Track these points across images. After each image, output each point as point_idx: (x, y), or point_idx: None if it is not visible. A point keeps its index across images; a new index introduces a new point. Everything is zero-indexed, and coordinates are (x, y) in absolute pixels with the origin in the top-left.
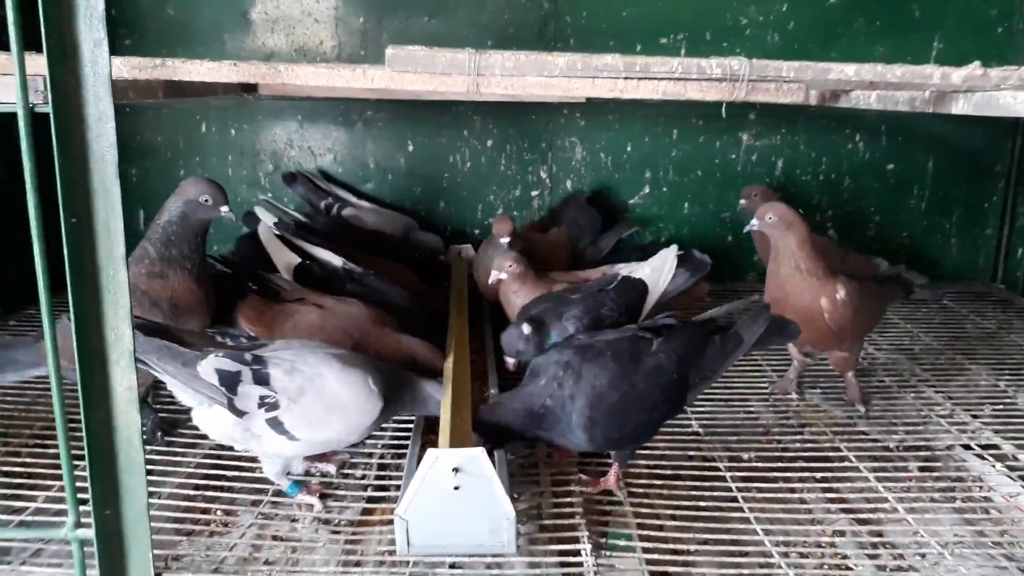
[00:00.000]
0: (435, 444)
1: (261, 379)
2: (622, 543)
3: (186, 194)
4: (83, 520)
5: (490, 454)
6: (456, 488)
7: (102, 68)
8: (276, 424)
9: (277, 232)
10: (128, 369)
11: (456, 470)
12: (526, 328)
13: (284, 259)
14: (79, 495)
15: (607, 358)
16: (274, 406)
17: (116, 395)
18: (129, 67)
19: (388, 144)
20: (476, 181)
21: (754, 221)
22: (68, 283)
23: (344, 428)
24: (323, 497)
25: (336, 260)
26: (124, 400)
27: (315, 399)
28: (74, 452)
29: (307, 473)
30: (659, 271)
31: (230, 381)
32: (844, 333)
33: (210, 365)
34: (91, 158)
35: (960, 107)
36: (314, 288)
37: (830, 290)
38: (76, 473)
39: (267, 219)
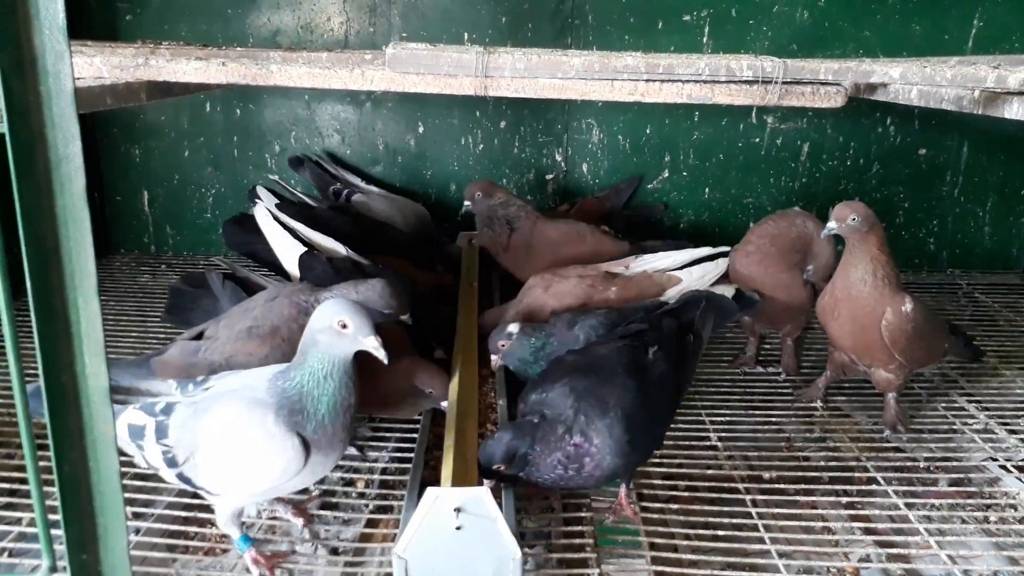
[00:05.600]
0: (439, 468)
1: (162, 432)
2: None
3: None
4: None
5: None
6: (458, 528)
7: (66, 83)
8: (185, 480)
9: (273, 213)
10: (104, 407)
11: (458, 510)
12: (513, 327)
13: (287, 247)
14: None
15: (623, 375)
16: (173, 462)
17: (92, 436)
18: (109, 67)
19: (398, 125)
20: (489, 164)
21: (831, 223)
22: (33, 319)
23: (268, 477)
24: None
25: (340, 248)
26: (100, 441)
27: (213, 450)
28: (48, 489)
29: (271, 529)
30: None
31: (139, 436)
32: (897, 351)
33: (124, 420)
34: (56, 183)
35: (1015, 111)
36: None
37: (897, 302)
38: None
39: (267, 200)
